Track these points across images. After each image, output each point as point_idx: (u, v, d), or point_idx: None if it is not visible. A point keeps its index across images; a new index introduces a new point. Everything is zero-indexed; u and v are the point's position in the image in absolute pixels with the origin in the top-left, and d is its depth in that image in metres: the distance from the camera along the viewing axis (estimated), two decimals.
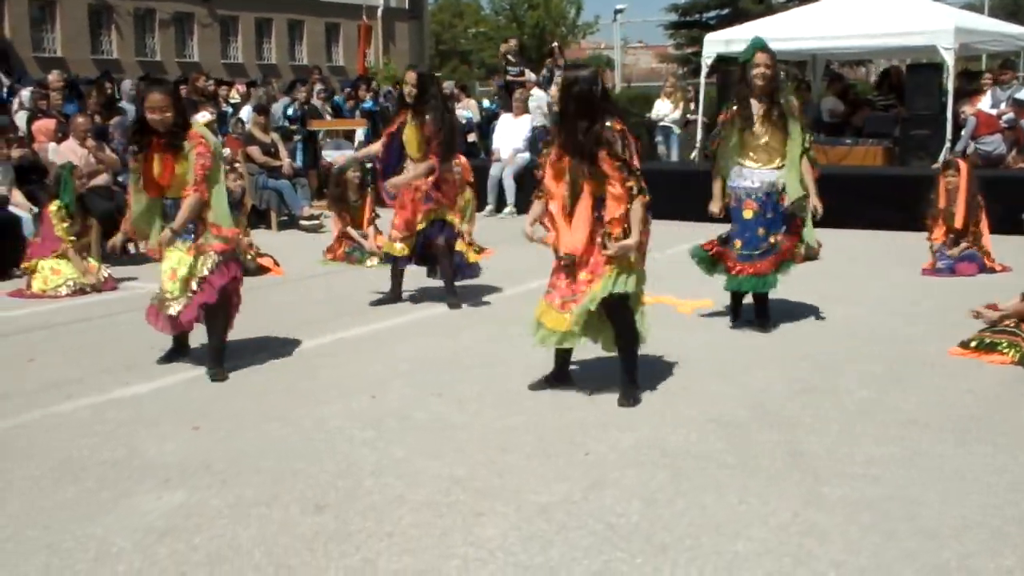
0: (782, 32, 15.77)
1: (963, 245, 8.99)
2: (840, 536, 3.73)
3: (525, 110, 14.45)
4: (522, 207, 13.52)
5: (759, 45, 6.67)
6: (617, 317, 5.39)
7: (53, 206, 8.81)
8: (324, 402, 5.44)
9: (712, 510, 3.98)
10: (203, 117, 12.95)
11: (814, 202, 6.69)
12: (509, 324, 7.27)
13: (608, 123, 5.16)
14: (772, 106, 6.61)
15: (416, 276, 8.93)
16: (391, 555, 3.63)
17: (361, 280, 8.96)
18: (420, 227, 7.69)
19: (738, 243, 6.79)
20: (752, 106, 6.64)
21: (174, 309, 5.84)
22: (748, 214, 6.72)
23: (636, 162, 5.24)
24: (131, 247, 10.88)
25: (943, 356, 6.19)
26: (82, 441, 4.88)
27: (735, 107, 6.71)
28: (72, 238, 8.85)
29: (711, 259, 7.08)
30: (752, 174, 6.71)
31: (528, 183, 13.47)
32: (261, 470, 4.46)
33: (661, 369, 5.95)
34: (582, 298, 5.25)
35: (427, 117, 7.50)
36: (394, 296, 8.05)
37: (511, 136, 14.03)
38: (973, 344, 6.22)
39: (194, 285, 5.80)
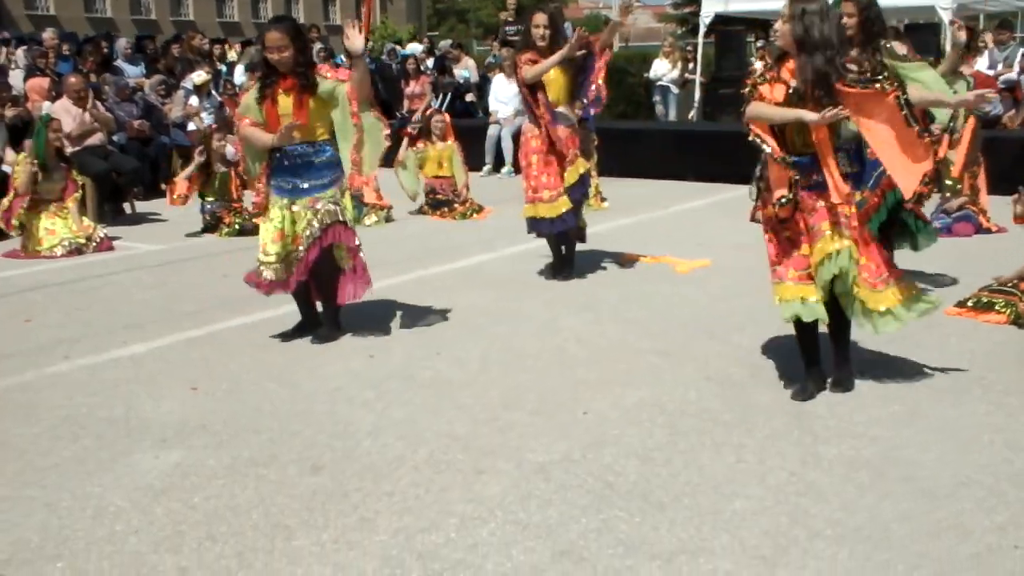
0: None
1: (962, 200, 8.98)
2: (836, 495, 3.74)
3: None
4: (520, 167, 13.46)
5: None
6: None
7: (19, 155, 8.80)
8: (324, 363, 5.44)
9: (710, 469, 3.99)
10: (199, 76, 12.85)
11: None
12: (509, 283, 7.27)
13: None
14: (861, 55, 6.26)
15: (419, 235, 8.93)
16: (390, 514, 3.64)
17: (361, 239, 8.91)
18: (571, 181, 7.01)
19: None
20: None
21: (270, 274, 5.65)
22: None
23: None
24: (127, 207, 10.90)
25: (943, 316, 6.18)
26: (80, 400, 4.88)
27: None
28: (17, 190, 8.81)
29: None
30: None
31: None
32: (259, 430, 4.46)
33: (661, 328, 5.95)
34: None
35: (578, 57, 6.89)
36: (560, 262, 7.40)
37: (507, 97, 13.92)
38: (970, 303, 6.22)
39: (301, 250, 5.59)
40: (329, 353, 5.61)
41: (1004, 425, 4.40)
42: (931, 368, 5.20)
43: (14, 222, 8.72)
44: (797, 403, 4.69)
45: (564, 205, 7.02)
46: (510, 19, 16.97)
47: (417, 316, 6.37)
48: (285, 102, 5.49)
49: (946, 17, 13.78)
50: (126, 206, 10.95)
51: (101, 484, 3.93)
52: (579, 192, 7.10)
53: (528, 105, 7.10)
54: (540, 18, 6.98)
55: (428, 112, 11.87)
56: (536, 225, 7.21)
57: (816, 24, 4.49)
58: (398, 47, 18.85)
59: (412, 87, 15.32)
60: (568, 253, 7.41)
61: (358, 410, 4.71)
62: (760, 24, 20.24)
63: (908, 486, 3.80)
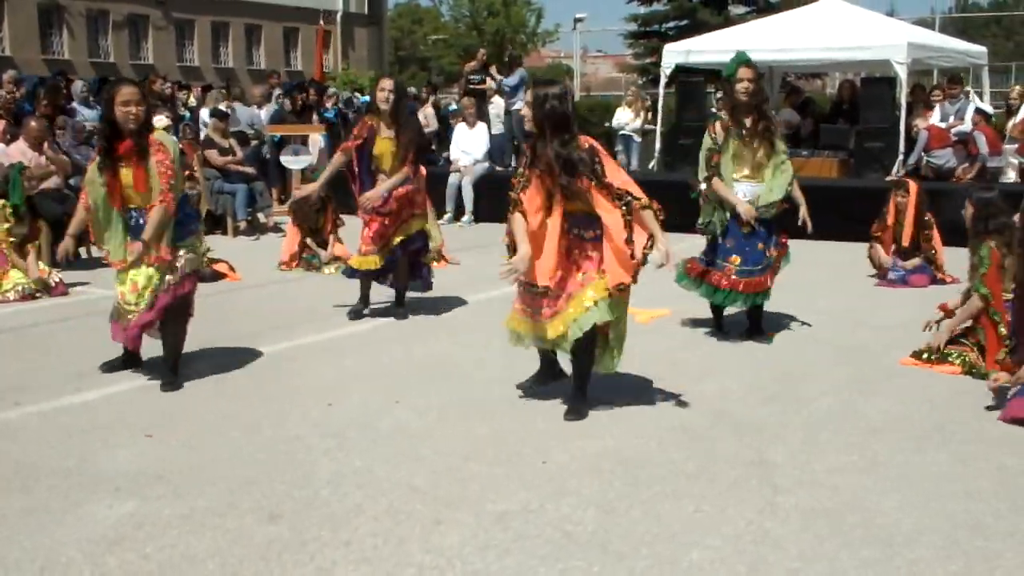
0: (739, 44, 15.80)
1: (915, 261, 9.14)
2: (794, 544, 3.74)
3: (480, 119, 14.39)
4: (480, 215, 13.52)
5: (742, 60, 6.63)
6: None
7: None
8: (282, 411, 5.39)
9: (669, 518, 3.98)
10: (159, 121, 12.79)
11: (804, 215, 6.87)
12: (469, 332, 7.26)
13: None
14: (759, 120, 6.59)
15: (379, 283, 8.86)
16: (347, 564, 3.60)
17: (319, 287, 8.90)
18: (399, 239, 7.44)
19: (736, 259, 6.72)
20: (740, 121, 6.60)
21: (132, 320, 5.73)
22: (746, 229, 6.68)
23: (616, 175, 5.13)
24: (83, 251, 10.77)
25: (901, 367, 6.25)
26: (32, 449, 4.79)
27: (726, 122, 6.64)
28: (12, 239, 8.70)
29: (697, 280, 6.94)
30: (744, 188, 6.68)
31: (487, 191, 13.49)
32: (216, 479, 4.40)
33: (622, 378, 5.95)
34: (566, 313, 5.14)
35: (404, 126, 7.30)
36: (364, 307, 7.78)
37: (468, 147, 13.98)
38: (925, 355, 6.30)
39: (149, 297, 5.66)
40: (288, 401, 5.56)
41: (962, 474, 4.45)
42: (890, 417, 5.25)
43: None
44: (759, 452, 4.71)
45: (369, 264, 7.43)
46: (476, 68, 17.09)
47: (377, 365, 6.34)
48: (127, 173, 5.62)
49: (901, 72, 14.05)
50: (82, 250, 10.83)
51: (52, 536, 3.84)
52: (415, 244, 7.57)
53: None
54: (387, 84, 7.42)
55: None
56: (352, 271, 7.71)
57: (545, 116, 5.00)
58: (359, 94, 18.89)
59: None
60: (400, 292, 7.86)
61: (318, 459, 4.66)
62: (720, 75, 20.41)
63: (866, 534, 3.82)
